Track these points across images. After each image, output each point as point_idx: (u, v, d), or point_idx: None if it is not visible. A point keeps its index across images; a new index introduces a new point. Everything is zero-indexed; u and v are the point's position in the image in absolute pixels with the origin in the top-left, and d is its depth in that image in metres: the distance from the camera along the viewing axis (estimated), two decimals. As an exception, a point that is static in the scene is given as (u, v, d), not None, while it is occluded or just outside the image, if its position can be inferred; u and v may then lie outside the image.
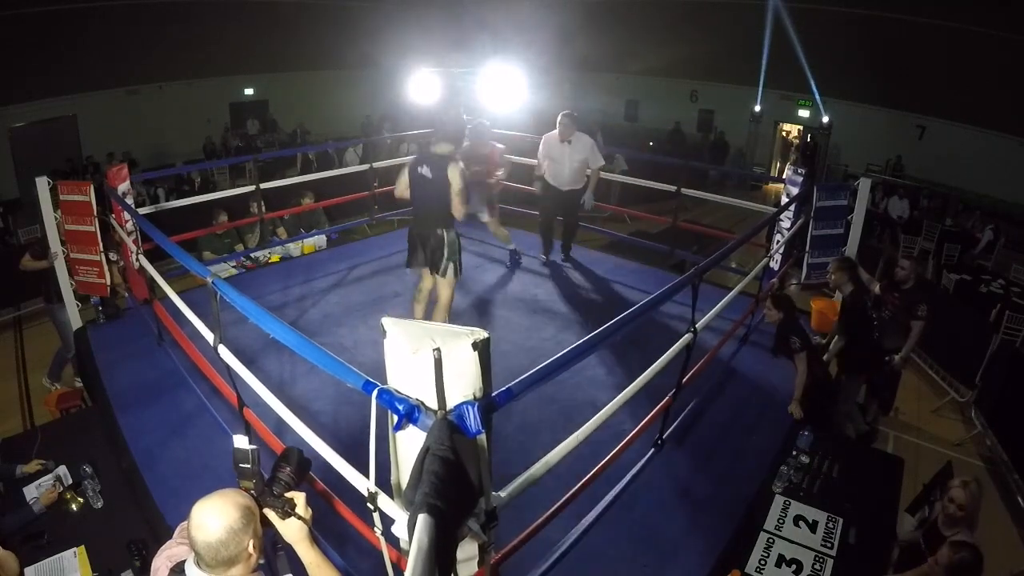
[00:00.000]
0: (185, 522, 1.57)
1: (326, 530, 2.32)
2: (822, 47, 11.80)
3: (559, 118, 4.98)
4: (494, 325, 4.30)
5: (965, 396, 5.49)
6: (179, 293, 3.16)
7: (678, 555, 2.54)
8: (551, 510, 2.18)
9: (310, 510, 1.52)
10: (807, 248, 4.69)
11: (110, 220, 4.20)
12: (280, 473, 1.52)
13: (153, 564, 1.48)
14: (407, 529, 1.23)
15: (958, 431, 5.25)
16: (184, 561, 1.39)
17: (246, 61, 13.47)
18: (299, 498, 1.51)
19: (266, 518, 1.46)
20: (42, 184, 3.84)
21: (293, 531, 1.48)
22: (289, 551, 1.56)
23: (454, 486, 1.24)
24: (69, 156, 11.39)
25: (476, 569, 1.61)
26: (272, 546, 1.45)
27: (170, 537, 1.56)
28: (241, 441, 1.52)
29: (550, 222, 5.43)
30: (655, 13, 13.93)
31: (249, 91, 14.38)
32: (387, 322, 1.47)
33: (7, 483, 2.77)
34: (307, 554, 1.49)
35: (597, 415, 2.15)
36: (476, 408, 1.38)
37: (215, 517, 1.33)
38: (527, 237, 6.15)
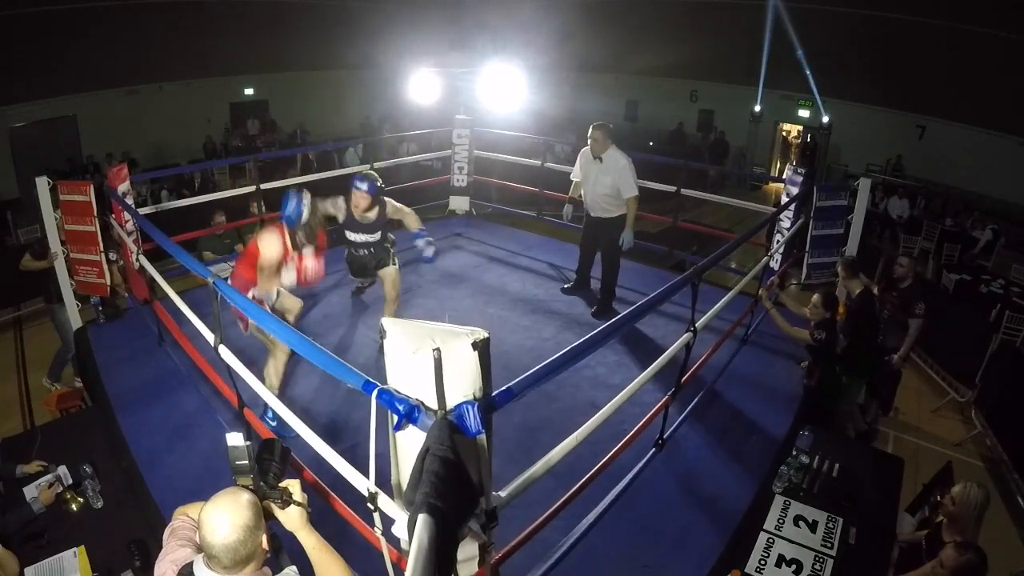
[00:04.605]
0: (174, 524, 1.57)
1: (326, 530, 2.32)
2: (822, 47, 11.80)
3: (590, 130, 4.29)
4: (494, 325, 4.30)
5: (965, 396, 5.49)
6: (179, 293, 3.16)
7: (678, 555, 2.54)
8: (551, 510, 2.18)
9: (305, 495, 1.54)
10: (807, 248, 4.69)
11: (110, 220, 4.20)
12: (268, 465, 1.53)
13: (157, 570, 1.47)
14: (407, 529, 1.23)
15: (958, 431, 5.25)
16: (191, 563, 1.39)
17: (246, 61, 13.46)
18: (294, 485, 1.53)
19: (267, 511, 1.47)
20: (42, 184, 3.84)
21: (294, 518, 1.50)
22: (286, 542, 1.57)
23: (454, 486, 1.24)
24: (69, 156, 11.39)
25: (476, 569, 1.61)
26: (270, 539, 1.46)
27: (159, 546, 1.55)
28: (235, 438, 1.52)
29: (586, 250, 4.75)
30: (655, 13, 13.92)
31: (249, 91, 14.37)
32: (387, 322, 1.47)
33: (7, 483, 2.76)
34: (308, 539, 1.51)
35: (597, 415, 2.15)
36: (476, 408, 1.38)
37: (229, 518, 1.33)
38: (527, 237, 6.17)
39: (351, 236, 4.00)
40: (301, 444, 2.14)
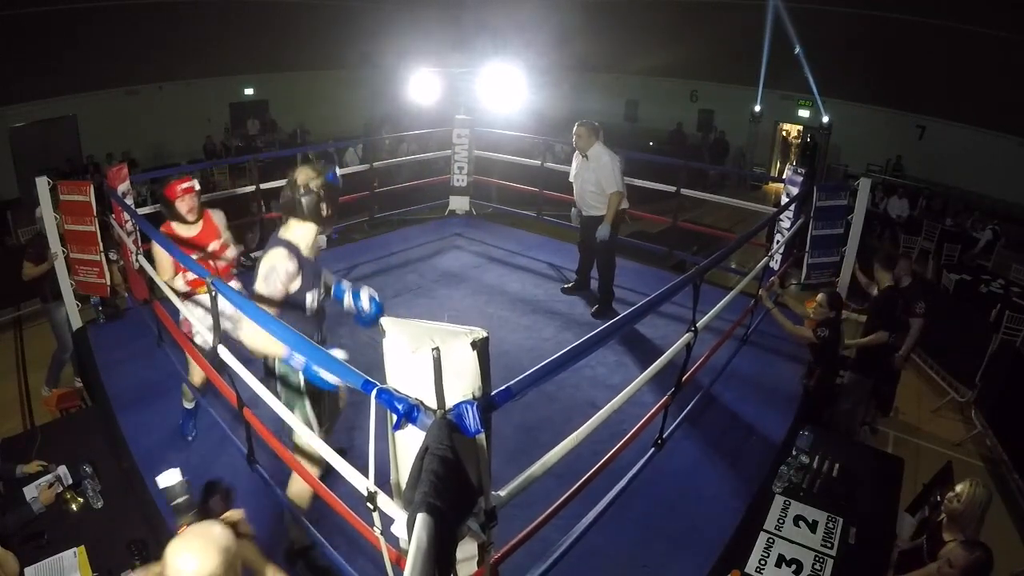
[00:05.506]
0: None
1: (326, 530, 2.32)
2: (822, 47, 11.80)
3: (575, 127, 4.33)
4: (494, 325, 4.30)
5: (965, 396, 5.49)
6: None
7: (678, 555, 2.54)
8: (551, 510, 2.18)
9: (251, 527, 1.47)
10: (807, 248, 4.69)
11: (110, 220, 4.20)
12: (211, 502, 1.48)
13: None
14: (406, 528, 1.23)
15: (958, 431, 5.24)
16: None
17: (246, 61, 13.48)
18: (235, 515, 1.45)
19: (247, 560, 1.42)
20: (42, 184, 3.84)
21: (249, 552, 1.42)
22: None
23: (453, 485, 1.24)
24: (69, 156, 11.40)
25: (476, 568, 1.61)
26: None
27: (160, 546, 1.53)
28: (168, 478, 1.44)
29: (584, 250, 4.78)
30: (655, 13, 13.94)
31: (249, 91, 14.39)
32: (386, 322, 1.46)
33: (7, 483, 2.76)
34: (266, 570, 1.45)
35: (597, 415, 2.15)
36: (475, 407, 1.37)
37: (196, 564, 1.25)
38: (527, 237, 6.16)
39: (312, 300, 2.39)
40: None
